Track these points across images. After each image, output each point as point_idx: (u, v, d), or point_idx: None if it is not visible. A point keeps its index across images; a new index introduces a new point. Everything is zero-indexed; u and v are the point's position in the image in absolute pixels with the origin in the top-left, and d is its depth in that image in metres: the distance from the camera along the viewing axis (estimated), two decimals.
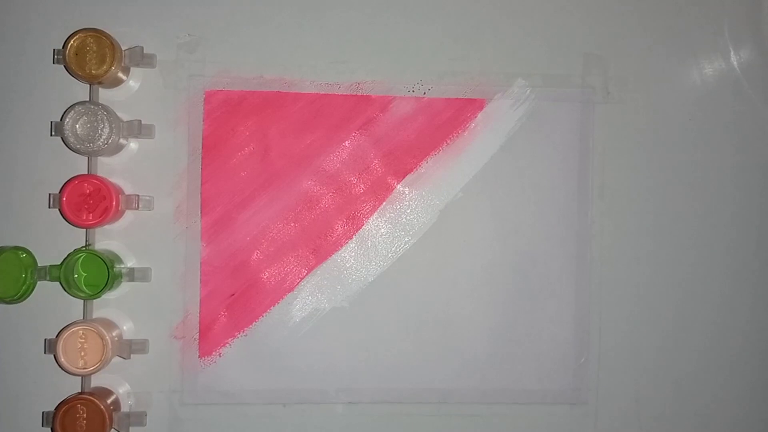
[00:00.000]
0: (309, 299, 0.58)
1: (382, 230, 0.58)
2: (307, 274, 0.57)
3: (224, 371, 0.57)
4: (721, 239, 0.60)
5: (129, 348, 0.53)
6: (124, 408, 0.55)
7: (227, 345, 0.57)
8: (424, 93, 0.58)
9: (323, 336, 0.58)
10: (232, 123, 0.57)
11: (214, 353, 0.57)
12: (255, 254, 0.57)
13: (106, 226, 0.55)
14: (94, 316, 0.54)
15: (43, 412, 0.54)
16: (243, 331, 0.57)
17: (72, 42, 0.53)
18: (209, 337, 0.56)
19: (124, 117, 0.55)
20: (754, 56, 0.61)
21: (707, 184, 0.60)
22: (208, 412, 0.57)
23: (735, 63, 0.61)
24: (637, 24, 0.60)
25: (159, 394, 0.56)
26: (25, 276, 0.52)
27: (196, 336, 0.56)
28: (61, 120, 0.53)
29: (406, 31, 0.59)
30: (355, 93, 0.58)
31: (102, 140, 0.52)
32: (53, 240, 0.55)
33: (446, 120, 0.58)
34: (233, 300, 0.57)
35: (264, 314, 0.57)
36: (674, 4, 0.60)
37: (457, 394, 0.58)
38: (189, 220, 0.56)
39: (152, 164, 0.56)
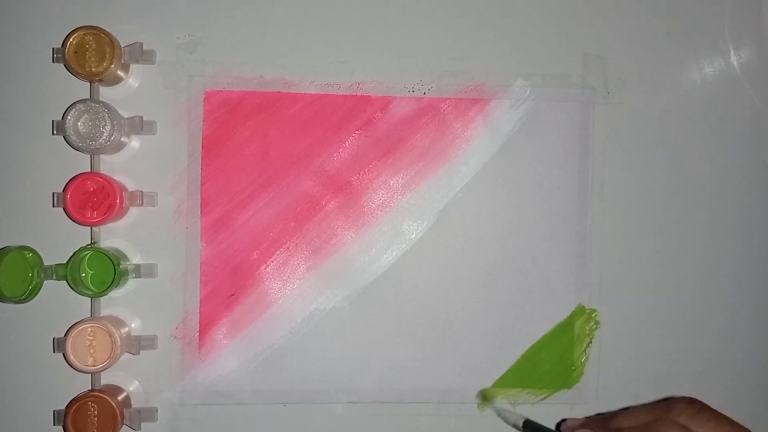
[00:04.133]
0: (309, 299, 0.64)
1: (382, 230, 0.65)
2: (307, 274, 0.64)
3: (224, 371, 0.63)
4: (722, 239, 0.67)
5: (138, 344, 0.60)
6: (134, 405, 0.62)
7: (227, 345, 0.63)
8: (424, 93, 0.65)
9: (323, 336, 0.64)
10: (232, 123, 0.63)
11: (214, 353, 0.63)
12: (255, 254, 0.63)
13: (110, 224, 0.61)
14: (101, 314, 0.61)
15: (54, 411, 0.60)
16: (243, 331, 0.63)
17: (71, 40, 0.58)
18: (209, 337, 0.63)
19: (125, 115, 0.61)
20: (754, 56, 0.67)
21: (707, 184, 0.67)
22: (208, 412, 0.63)
23: (735, 63, 0.67)
24: (638, 24, 0.66)
25: (159, 395, 0.63)
26: (32, 275, 0.58)
27: (196, 336, 0.63)
28: (62, 118, 0.59)
29: (406, 31, 0.64)
30: (355, 93, 0.64)
31: (104, 138, 0.59)
32: (58, 239, 0.61)
33: (446, 120, 0.65)
34: (233, 300, 0.63)
35: (264, 314, 0.64)
36: (674, 4, 0.66)
37: (457, 394, 0.65)
38: (189, 220, 0.63)
39: (153, 163, 0.63)
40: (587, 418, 0.53)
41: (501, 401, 0.65)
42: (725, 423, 0.46)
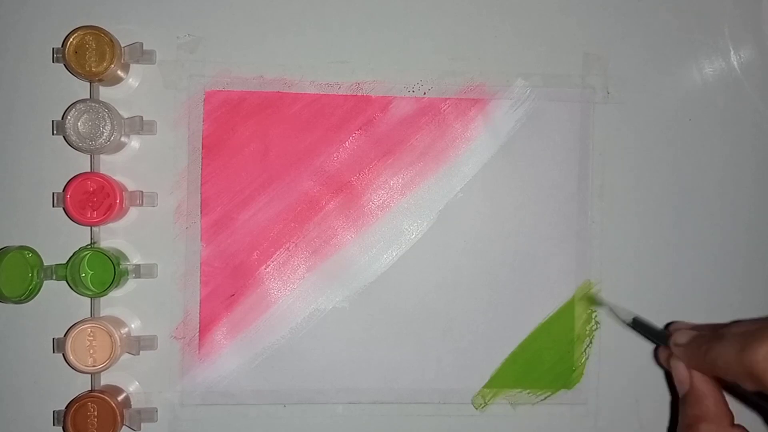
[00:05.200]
0: (309, 299, 0.64)
1: (382, 230, 0.65)
2: (307, 274, 0.64)
3: (224, 371, 0.63)
4: (722, 239, 0.67)
5: (138, 344, 0.60)
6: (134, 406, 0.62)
7: (227, 345, 0.63)
8: (424, 93, 0.65)
9: (323, 336, 0.64)
10: (232, 123, 0.63)
11: (214, 353, 0.63)
12: (255, 254, 0.64)
13: (110, 224, 0.61)
14: (101, 314, 0.61)
15: (53, 411, 0.60)
16: (243, 332, 0.63)
17: (71, 40, 0.58)
18: (209, 337, 0.63)
19: (125, 115, 0.61)
20: (754, 56, 0.67)
21: (707, 185, 0.67)
22: (208, 412, 0.63)
23: (735, 63, 0.67)
24: (637, 24, 0.66)
25: (159, 395, 0.63)
26: (32, 275, 0.58)
27: (196, 336, 0.63)
28: (62, 118, 0.59)
29: (406, 31, 0.64)
30: (355, 93, 0.64)
31: (104, 138, 0.59)
32: (58, 239, 0.61)
33: (446, 120, 0.65)
34: (233, 300, 0.64)
35: (264, 314, 0.64)
36: (674, 4, 0.66)
37: (457, 394, 0.65)
38: (189, 220, 0.63)
39: (153, 163, 0.63)
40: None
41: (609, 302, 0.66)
42: None
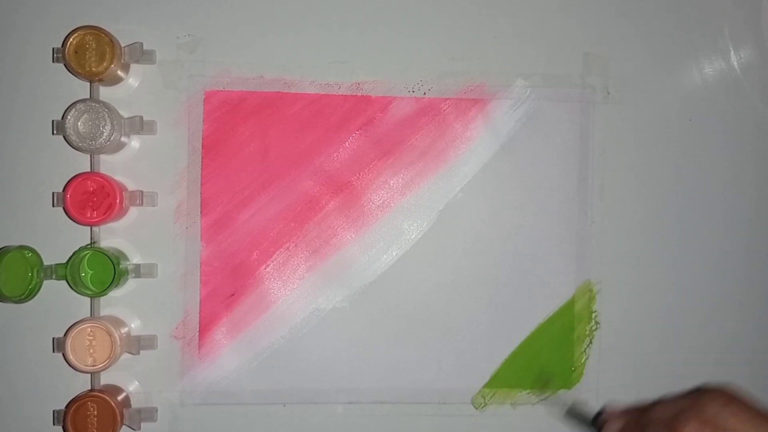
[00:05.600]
0: (309, 299, 0.64)
1: (382, 230, 0.65)
2: (307, 274, 0.64)
3: (224, 371, 0.63)
4: (722, 238, 0.67)
5: (137, 344, 0.60)
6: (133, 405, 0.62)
7: (227, 345, 0.63)
8: (424, 93, 0.65)
9: (323, 336, 0.64)
10: (232, 123, 0.63)
11: (214, 353, 0.63)
12: (255, 254, 0.64)
13: (110, 224, 0.61)
14: (101, 314, 0.61)
15: (53, 411, 0.60)
16: (243, 331, 0.64)
17: (71, 40, 0.59)
18: (209, 337, 0.63)
19: (125, 115, 0.61)
20: (754, 56, 0.67)
21: (707, 185, 0.67)
22: (208, 412, 0.63)
23: (735, 63, 0.67)
24: (637, 24, 0.66)
25: (159, 394, 0.63)
26: (32, 275, 0.58)
27: (196, 336, 0.63)
28: (62, 118, 0.59)
29: (406, 31, 0.65)
30: (355, 93, 0.64)
31: (104, 137, 0.59)
32: (58, 239, 0.61)
33: (446, 120, 0.65)
34: (233, 300, 0.64)
35: (264, 314, 0.64)
36: (674, 4, 0.67)
37: (457, 394, 0.65)
38: (189, 220, 0.63)
39: (153, 163, 0.63)
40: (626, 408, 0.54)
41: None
42: (755, 416, 0.45)
